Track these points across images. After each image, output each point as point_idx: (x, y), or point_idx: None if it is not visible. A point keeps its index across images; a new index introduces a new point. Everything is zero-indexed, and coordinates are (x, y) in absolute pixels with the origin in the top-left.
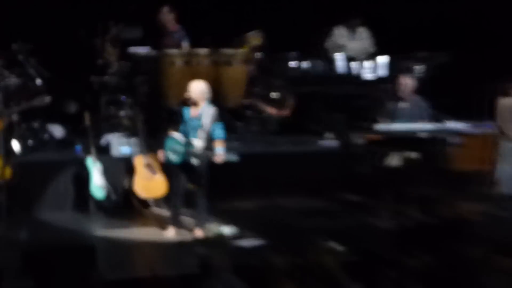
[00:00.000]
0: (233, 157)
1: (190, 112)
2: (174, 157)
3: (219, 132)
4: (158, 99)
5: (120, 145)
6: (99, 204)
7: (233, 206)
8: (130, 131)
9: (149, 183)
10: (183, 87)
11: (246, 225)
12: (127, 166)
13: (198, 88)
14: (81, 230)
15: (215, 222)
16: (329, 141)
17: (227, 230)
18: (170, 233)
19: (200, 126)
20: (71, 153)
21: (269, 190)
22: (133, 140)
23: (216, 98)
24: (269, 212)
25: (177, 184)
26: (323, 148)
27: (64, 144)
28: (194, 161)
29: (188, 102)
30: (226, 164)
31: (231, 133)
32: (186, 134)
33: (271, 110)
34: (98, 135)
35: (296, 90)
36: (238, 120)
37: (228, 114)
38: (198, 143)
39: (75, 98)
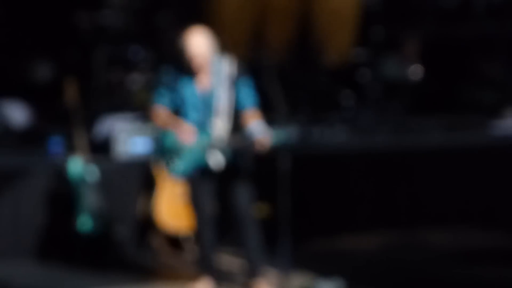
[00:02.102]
0: (281, 136)
1: (195, 85)
2: (183, 165)
3: (248, 96)
4: None
5: (131, 137)
6: (92, 244)
7: (338, 245)
8: (149, 112)
9: (183, 208)
10: (243, 32)
11: (362, 277)
12: (144, 175)
13: (201, 44)
14: None
15: (304, 273)
16: None
17: (328, 286)
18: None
19: (210, 102)
20: (42, 153)
21: (403, 215)
22: (155, 127)
23: (303, 51)
24: (403, 254)
25: (202, 206)
26: (502, 137)
27: (29, 136)
28: (218, 159)
29: (191, 69)
30: (322, 168)
31: (332, 112)
32: (196, 122)
33: (407, 70)
34: (91, 119)
35: (450, 32)
36: (345, 88)
37: (328, 79)
38: (219, 127)
39: (49, 54)
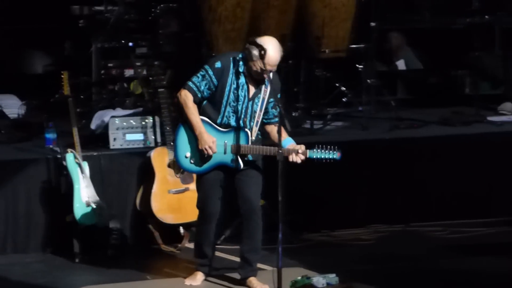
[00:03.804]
0: (318, 154)
1: (247, 89)
2: (201, 163)
3: (275, 111)
4: (200, 46)
5: (126, 130)
6: (90, 237)
7: (333, 238)
8: (146, 106)
9: (180, 199)
10: (240, 27)
11: (356, 272)
12: (140, 168)
13: (278, 58)
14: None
15: (298, 268)
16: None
17: (322, 281)
18: (196, 282)
19: (255, 110)
20: (38, 147)
21: (400, 208)
22: (151, 121)
23: (296, 43)
24: (399, 246)
25: (208, 203)
26: (499, 130)
27: (25, 129)
28: (240, 163)
29: (255, 76)
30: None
31: (329, 106)
32: (231, 123)
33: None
34: (87, 113)
35: (447, 23)
36: (342, 82)
37: (325, 73)
38: (252, 134)
39: (44, 47)
